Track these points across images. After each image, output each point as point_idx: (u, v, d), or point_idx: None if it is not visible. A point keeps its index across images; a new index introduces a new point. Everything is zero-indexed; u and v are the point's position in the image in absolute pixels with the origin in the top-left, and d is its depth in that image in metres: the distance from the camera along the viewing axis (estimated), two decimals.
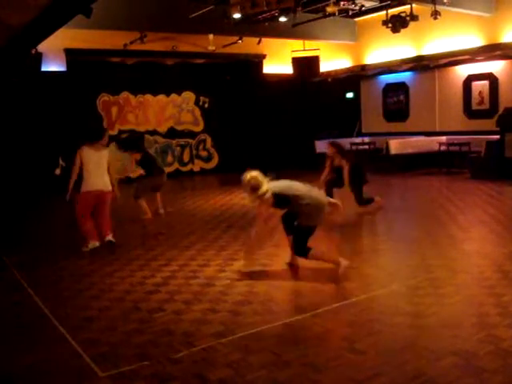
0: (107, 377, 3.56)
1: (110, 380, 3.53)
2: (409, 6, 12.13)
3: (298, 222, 5.59)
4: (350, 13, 11.94)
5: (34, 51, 12.44)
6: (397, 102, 17.11)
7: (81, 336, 4.24)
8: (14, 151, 13.51)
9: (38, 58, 13.06)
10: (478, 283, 5.18)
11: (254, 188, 5.48)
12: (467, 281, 5.32)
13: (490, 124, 13.75)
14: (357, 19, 16.39)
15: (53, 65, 14.04)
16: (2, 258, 7.05)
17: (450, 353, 3.64)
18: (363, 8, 11.59)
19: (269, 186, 5.52)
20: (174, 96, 16.65)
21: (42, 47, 12.38)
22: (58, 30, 9.06)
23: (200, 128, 17.19)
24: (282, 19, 11.70)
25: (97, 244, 7.22)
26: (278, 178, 5.80)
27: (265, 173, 5.64)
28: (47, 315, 4.78)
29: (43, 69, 13.53)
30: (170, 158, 16.69)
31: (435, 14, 11.59)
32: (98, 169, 7.19)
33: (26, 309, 5.07)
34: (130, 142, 11.13)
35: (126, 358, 3.82)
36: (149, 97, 16.19)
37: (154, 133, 16.28)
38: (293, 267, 5.91)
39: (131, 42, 14.35)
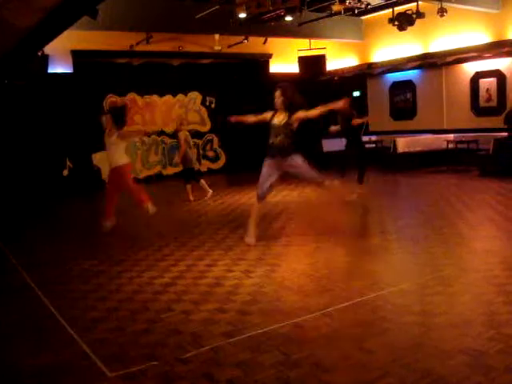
0: (116, 377, 3.57)
1: (118, 380, 3.53)
2: (415, 4, 12.09)
3: None
4: (356, 11, 11.89)
5: (40, 53, 12.48)
6: (404, 101, 17.05)
7: (89, 336, 4.25)
8: (21, 153, 13.57)
9: (45, 60, 13.11)
10: (488, 281, 5.14)
11: None
12: (476, 279, 5.28)
13: (497, 121, 13.68)
14: (363, 17, 16.35)
15: (59, 66, 14.09)
16: (11, 259, 7.09)
17: (459, 352, 3.62)
18: (369, 6, 11.53)
19: None
20: (180, 96, 16.64)
21: (48, 49, 12.43)
22: (64, 32, 9.11)
23: (207, 128, 17.19)
24: (288, 18, 11.66)
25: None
26: None
27: None
28: (55, 316, 4.80)
29: (50, 70, 13.58)
30: (177, 158, 16.67)
31: (441, 11, 11.55)
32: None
33: (34, 310, 5.08)
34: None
35: (135, 358, 3.82)
36: (155, 97, 16.20)
37: (161, 133, 16.29)
38: None
39: (137, 43, 14.38)
